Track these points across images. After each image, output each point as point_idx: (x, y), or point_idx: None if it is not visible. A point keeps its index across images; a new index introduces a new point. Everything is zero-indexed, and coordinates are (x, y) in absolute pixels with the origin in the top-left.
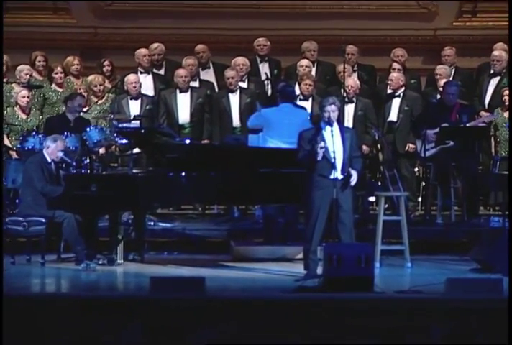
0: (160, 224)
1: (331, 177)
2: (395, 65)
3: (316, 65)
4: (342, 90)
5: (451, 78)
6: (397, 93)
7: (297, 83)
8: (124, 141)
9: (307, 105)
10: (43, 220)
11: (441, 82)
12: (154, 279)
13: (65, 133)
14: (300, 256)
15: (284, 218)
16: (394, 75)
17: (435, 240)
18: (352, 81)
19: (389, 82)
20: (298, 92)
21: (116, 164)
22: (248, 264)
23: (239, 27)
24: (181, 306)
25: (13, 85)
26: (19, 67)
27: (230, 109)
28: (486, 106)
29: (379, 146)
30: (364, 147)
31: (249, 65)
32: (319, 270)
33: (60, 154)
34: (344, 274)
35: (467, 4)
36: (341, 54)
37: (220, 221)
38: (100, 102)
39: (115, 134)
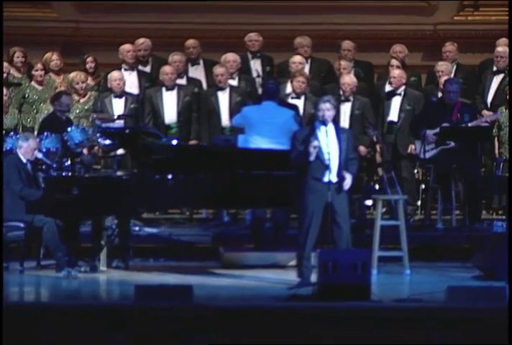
0: (146, 229)
1: (325, 180)
2: (394, 62)
3: (309, 61)
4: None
5: (452, 75)
6: (397, 92)
7: (289, 81)
8: (108, 141)
9: (299, 103)
10: (22, 225)
11: (443, 79)
12: (139, 288)
13: (45, 133)
14: (293, 262)
15: (272, 222)
16: (396, 72)
17: (435, 246)
18: (349, 78)
19: (391, 79)
20: (290, 89)
21: (99, 166)
22: (238, 271)
23: (229, 22)
24: (167, 316)
25: None
26: None
27: (219, 108)
28: (489, 105)
29: (377, 147)
30: (362, 148)
31: (240, 62)
32: (313, 278)
33: (39, 154)
34: (340, 282)
35: None
36: (337, 50)
37: (209, 225)
38: (82, 100)
39: (98, 135)
